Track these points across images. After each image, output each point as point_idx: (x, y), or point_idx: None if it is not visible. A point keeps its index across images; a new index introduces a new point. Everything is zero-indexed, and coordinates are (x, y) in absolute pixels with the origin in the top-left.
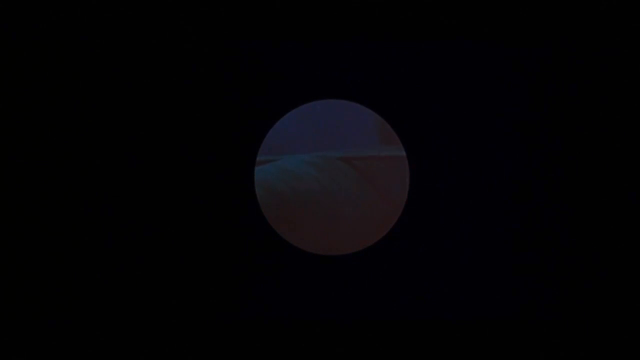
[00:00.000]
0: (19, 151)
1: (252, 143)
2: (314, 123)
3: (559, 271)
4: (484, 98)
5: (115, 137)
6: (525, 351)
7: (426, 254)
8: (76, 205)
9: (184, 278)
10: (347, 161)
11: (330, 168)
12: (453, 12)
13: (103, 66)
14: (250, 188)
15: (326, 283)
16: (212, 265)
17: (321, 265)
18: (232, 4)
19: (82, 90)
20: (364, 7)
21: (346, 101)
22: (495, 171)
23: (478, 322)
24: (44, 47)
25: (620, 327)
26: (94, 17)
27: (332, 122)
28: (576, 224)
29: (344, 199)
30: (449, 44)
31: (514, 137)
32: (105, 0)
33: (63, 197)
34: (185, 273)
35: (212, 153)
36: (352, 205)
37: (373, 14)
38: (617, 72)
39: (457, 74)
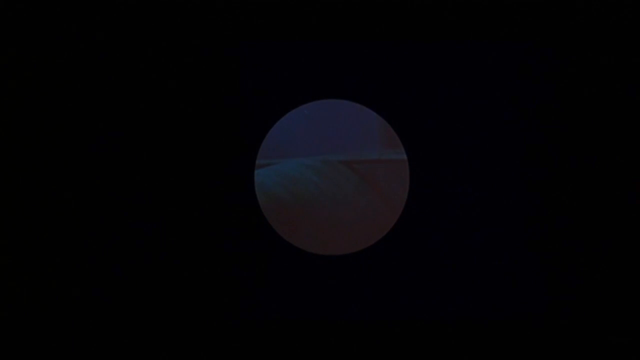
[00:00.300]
0: (19, 151)
1: (253, 143)
2: (314, 124)
3: (558, 272)
4: (486, 99)
5: (114, 140)
6: (525, 351)
7: (426, 254)
8: (77, 208)
9: (184, 279)
10: (347, 165)
11: (330, 172)
12: (454, 12)
13: (102, 67)
14: (250, 187)
15: (326, 283)
16: (213, 266)
17: (321, 265)
18: (231, 4)
19: (81, 91)
20: (364, 7)
21: (347, 101)
22: (496, 174)
23: (477, 323)
24: (44, 47)
25: (620, 328)
26: (94, 17)
27: (332, 124)
28: (576, 226)
29: (344, 204)
30: (452, 44)
31: (516, 139)
32: (105, 1)
33: (63, 200)
34: (186, 274)
35: (213, 152)
36: (353, 210)
37: (373, 14)
38: (620, 73)
39: (460, 75)
